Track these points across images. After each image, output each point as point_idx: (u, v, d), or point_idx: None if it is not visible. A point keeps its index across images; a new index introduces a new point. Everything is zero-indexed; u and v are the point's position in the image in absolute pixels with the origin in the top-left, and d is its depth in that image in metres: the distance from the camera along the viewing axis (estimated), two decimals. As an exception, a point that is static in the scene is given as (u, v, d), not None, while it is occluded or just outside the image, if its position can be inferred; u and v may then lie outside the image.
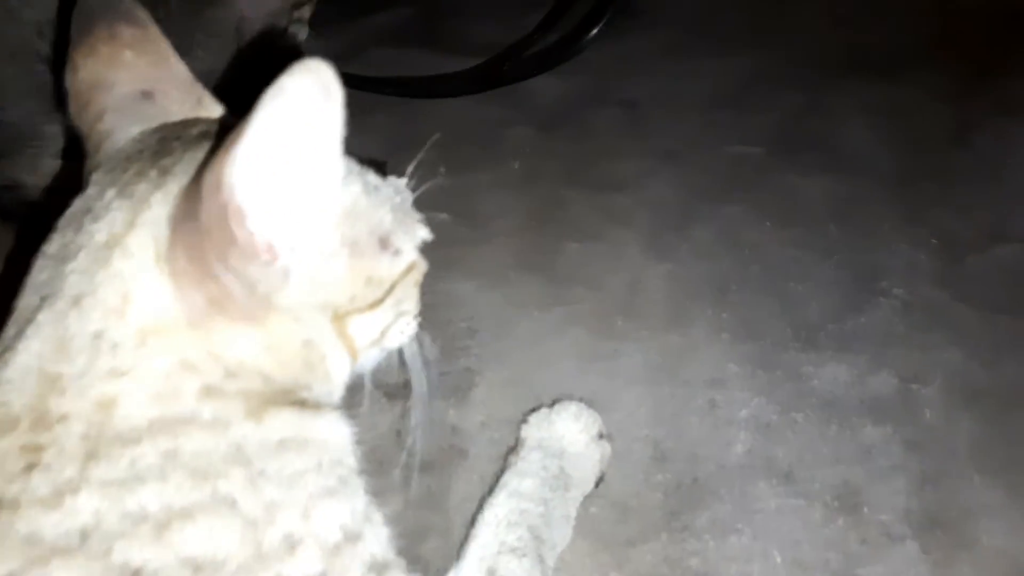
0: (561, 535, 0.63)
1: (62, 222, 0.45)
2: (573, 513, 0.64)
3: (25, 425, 0.40)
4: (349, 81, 1.11)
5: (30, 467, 0.39)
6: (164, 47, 0.51)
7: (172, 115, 0.50)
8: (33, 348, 0.41)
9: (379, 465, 0.63)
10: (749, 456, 0.71)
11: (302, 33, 1.02)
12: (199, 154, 0.45)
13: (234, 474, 0.42)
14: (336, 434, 0.47)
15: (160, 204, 0.43)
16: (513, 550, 0.57)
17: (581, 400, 0.71)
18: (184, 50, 0.50)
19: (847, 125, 1.15)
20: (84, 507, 0.39)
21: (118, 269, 0.42)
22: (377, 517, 0.47)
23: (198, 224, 0.41)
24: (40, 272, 0.44)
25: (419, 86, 1.10)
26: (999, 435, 0.73)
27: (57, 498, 0.39)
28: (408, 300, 0.53)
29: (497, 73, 1.08)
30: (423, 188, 0.54)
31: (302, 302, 0.45)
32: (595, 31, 0.98)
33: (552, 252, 0.92)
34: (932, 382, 0.78)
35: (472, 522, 0.61)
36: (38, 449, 0.40)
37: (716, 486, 0.68)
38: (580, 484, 0.65)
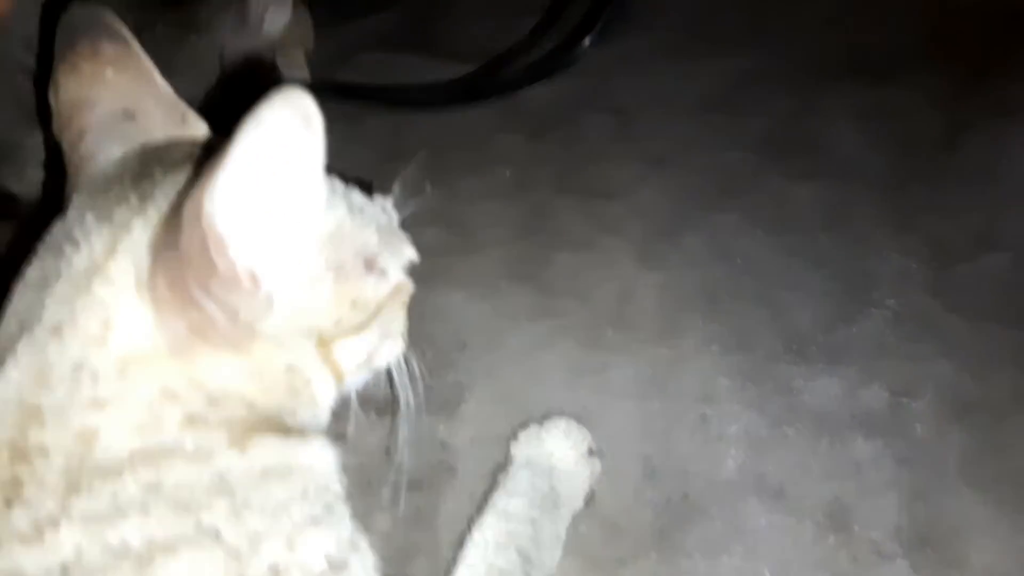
0: (551, 556, 0.62)
1: (42, 247, 0.45)
2: (563, 533, 0.64)
3: (4, 458, 0.39)
4: (335, 91, 1.10)
5: (9, 502, 0.39)
6: (147, 65, 0.50)
7: (155, 134, 0.49)
8: (12, 379, 0.41)
9: (367, 484, 0.62)
10: (740, 472, 0.71)
11: (296, 74, 1.00)
12: (180, 178, 0.44)
13: (217, 505, 0.41)
14: (321, 460, 0.47)
15: (141, 231, 0.42)
16: (502, 572, 0.57)
17: (571, 415, 0.71)
18: (166, 76, 0.49)
19: (839, 128, 1.15)
20: (65, 542, 0.38)
21: (98, 297, 0.42)
22: (363, 544, 0.47)
23: (179, 252, 0.40)
24: (20, 298, 0.44)
25: (405, 96, 1.09)
26: (989, 449, 0.73)
27: (37, 533, 0.38)
28: (395, 321, 0.53)
29: (486, 84, 1.07)
30: (409, 207, 0.54)
31: (286, 328, 0.44)
32: (588, 41, 0.97)
33: (542, 262, 0.92)
34: (923, 395, 0.78)
35: (461, 543, 0.60)
36: (18, 483, 0.39)
37: (707, 503, 0.68)
38: (570, 502, 0.65)
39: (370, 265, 0.48)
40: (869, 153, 1.11)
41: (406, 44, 1.26)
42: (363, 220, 0.48)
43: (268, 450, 0.44)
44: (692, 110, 1.17)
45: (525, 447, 0.67)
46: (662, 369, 0.79)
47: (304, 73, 1.00)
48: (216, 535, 0.40)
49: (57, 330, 0.41)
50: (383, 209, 0.52)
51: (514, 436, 0.69)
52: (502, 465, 0.68)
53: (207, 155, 0.47)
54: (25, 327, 0.42)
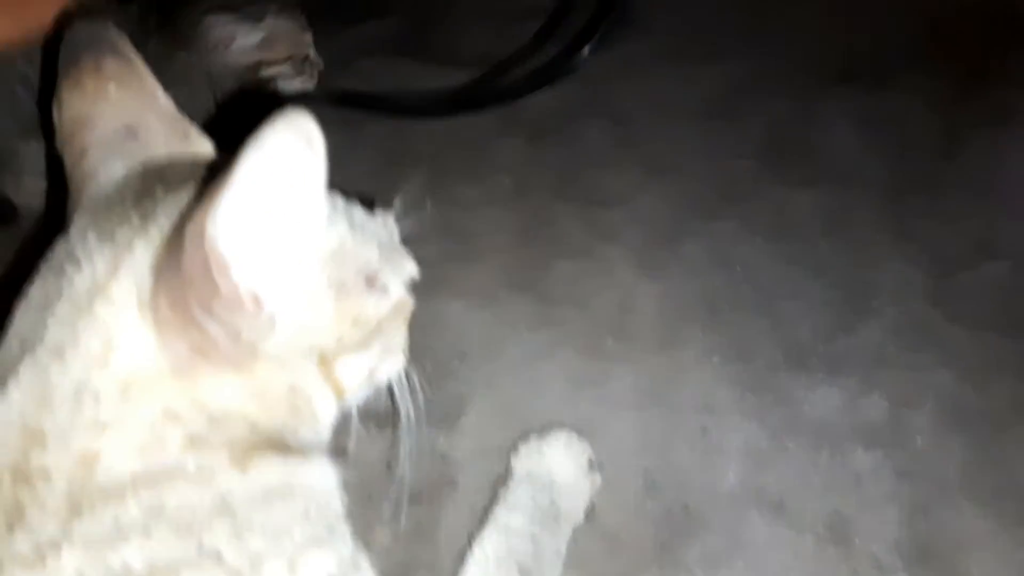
0: (552, 571, 0.62)
1: (44, 266, 0.45)
2: (564, 548, 0.64)
3: (6, 482, 0.39)
4: (335, 99, 1.09)
5: (11, 525, 0.39)
6: (149, 81, 0.50)
7: (157, 150, 0.49)
8: (15, 400, 0.41)
9: (367, 497, 0.62)
10: (740, 485, 0.71)
11: (296, 85, 0.97)
12: (182, 197, 0.44)
13: (219, 527, 0.41)
14: (322, 480, 0.47)
15: (143, 251, 0.42)
16: (504, 588, 0.57)
17: (571, 427, 0.71)
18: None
19: (838, 134, 1.15)
20: (67, 566, 0.38)
21: (100, 318, 0.41)
22: (364, 563, 0.47)
23: (181, 273, 0.40)
24: (22, 318, 0.43)
25: (405, 105, 1.09)
26: (989, 461, 0.73)
27: (39, 557, 0.38)
28: (396, 337, 0.53)
29: (486, 92, 1.07)
30: (410, 223, 0.54)
31: (288, 347, 0.44)
32: (588, 49, 0.97)
33: (542, 270, 0.92)
34: (923, 406, 0.78)
35: (462, 558, 0.60)
36: (20, 507, 0.39)
37: (707, 516, 0.68)
38: (570, 516, 0.65)
39: (371, 282, 0.48)
40: (868, 159, 1.11)
41: (406, 50, 1.26)
42: (364, 237, 0.48)
43: (269, 470, 0.44)
44: (691, 116, 1.17)
45: (526, 461, 0.67)
46: (662, 379, 0.79)
47: (298, 83, 0.98)
48: (218, 557, 0.40)
49: (59, 351, 0.41)
50: (384, 225, 0.52)
51: (514, 449, 0.69)
52: (503, 477, 0.68)
53: (210, 173, 0.47)
54: (27, 348, 0.42)
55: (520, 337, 0.83)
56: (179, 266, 0.40)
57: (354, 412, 0.53)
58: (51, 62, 0.50)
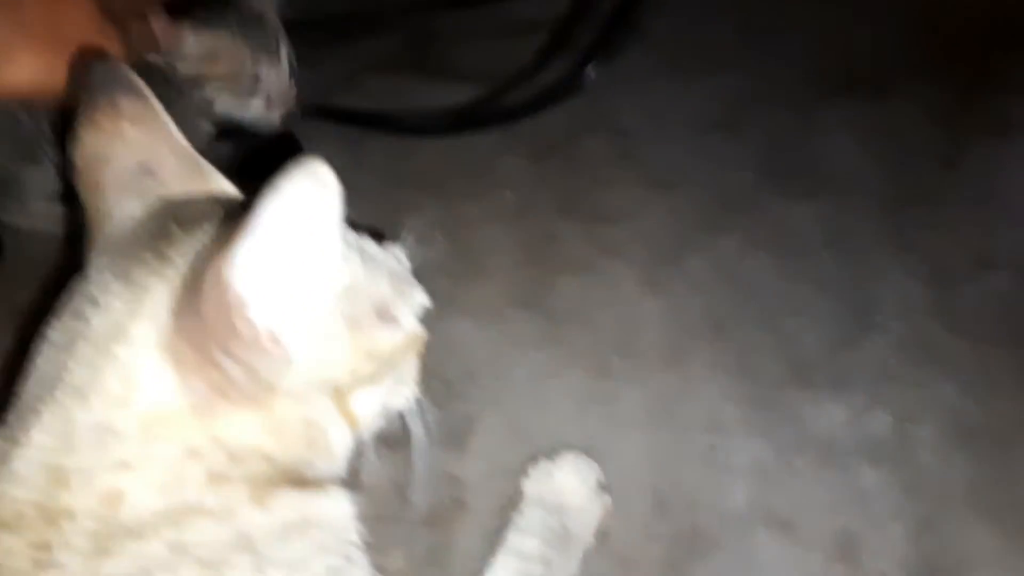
0: (564, 595, 0.63)
1: (62, 307, 0.45)
2: (575, 570, 0.64)
3: (33, 521, 0.40)
4: (337, 117, 1.09)
5: (39, 564, 0.39)
6: (164, 119, 0.50)
7: (172, 187, 0.50)
8: (38, 441, 0.41)
9: (380, 521, 0.63)
10: (748, 504, 0.71)
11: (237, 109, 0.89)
12: (198, 238, 0.45)
13: (241, 562, 0.42)
14: (339, 510, 0.48)
15: (161, 292, 0.43)
16: (517, 612, 0.58)
17: (580, 447, 0.71)
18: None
19: (838, 146, 1.16)
20: (94, 605, 0.39)
21: (120, 358, 0.42)
22: (381, 589, 0.47)
23: (199, 315, 0.41)
24: (42, 359, 0.44)
25: (407, 124, 1.09)
26: (995, 476, 0.74)
27: (67, 597, 0.39)
28: (408, 367, 0.54)
29: (489, 112, 1.08)
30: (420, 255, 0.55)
31: (304, 383, 0.45)
32: (592, 71, 0.98)
33: (547, 288, 0.92)
34: (927, 421, 0.78)
35: (475, 583, 0.61)
36: (46, 547, 0.39)
37: (716, 536, 0.69)
38: (581, 539, 0.66)
39: (384, 315, 0.48)
40: (869, 170, 1.11)
41: (409, 66, 1.26)
42: (375, 270, 0.49)
43: (288, 505, 0.45)
44: (691, 130, 1.18)
45: (536, 484, 0.68)
46: (669, 398, 0.80)
47: (244, 110, 0.88)
48: (240, 592, 0.41)
49: (81, 392, 0.42)
50: (395, 257, 0.53)
51: (525, 471, 0.69)
52: (513, 499, 0.68)
53: (225, 212, 0.48)
54: (49, 388, 0.42)
55: (527, 356, 0.84)
56: (198, 307, 0.41)
57: (368, 441, 0.54)
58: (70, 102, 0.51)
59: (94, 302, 0.44)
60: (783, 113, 1.20)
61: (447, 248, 0.94)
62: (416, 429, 0.57)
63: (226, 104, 0.84)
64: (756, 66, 1.30)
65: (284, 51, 0.87)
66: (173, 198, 0.49)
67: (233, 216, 0.46)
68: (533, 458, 0.72)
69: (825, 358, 0.85)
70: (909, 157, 1.14)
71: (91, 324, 0.43)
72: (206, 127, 0.85)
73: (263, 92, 0.86)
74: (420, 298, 0.53)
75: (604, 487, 0.69)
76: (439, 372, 0.80)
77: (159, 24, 0.74)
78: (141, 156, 0.49)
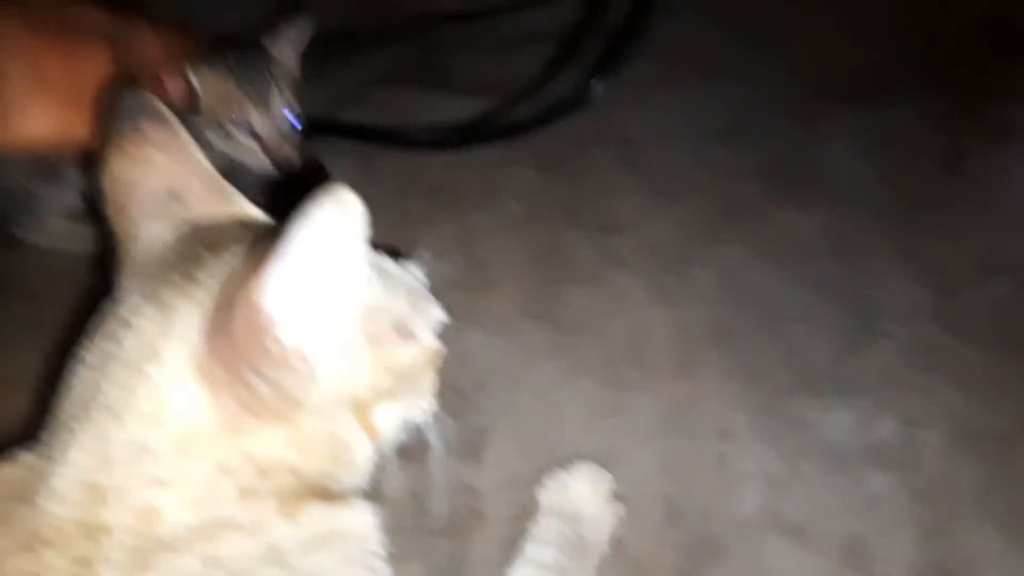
0: (581, 603, 0.64)
1: (96, 329, 0.47)
2: (592, 581, 0.66)
3: (73, 537, 0.41)
4: (345, 133, 1.10)
5: (81, 580, 0.41)
6: (188, 144, 0.52)
7: (198, 212, 0.51)
8: (76, 459, 0.43)
9: (398, 531, 0.64)
10: (759, 510, 0.72)
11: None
12: (226, 260, 0.46)
13: (271, 574, 0.43)
14: (363, 523, 0.49)
15: (191, 314, 0.44)
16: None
17: (593, 457, 0.73)
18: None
19: (840, 155, 1.17)
20: (133, 620, 0.40)
21: (154, 379, 0.44)
22: (404, 601, 0.49)
23: (230, 335, 0.42)
24: (76, 379, 0.46)
25: (415, 138, 1.11)
26: (1002, 480, 0.75)
27: (110, 612, 0.40)
28: (427, 381, 0.55)
29: (497, 126, 1.09)
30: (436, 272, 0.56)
31: (328, 399, 0.46)
32: (600, 85, 0.99)
33: (556, 298, 0.94)
34: (934, 426, 0.80)
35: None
36: (87, 562, 0.41)
37: (728, 543, 0.70)
38: (596, 548, 0.67)
39: (402, 331, 0.50)
40: (871, 179, 1.13)
41: (416, 79, 1.27)
42: (394, 287, 0.51)
43: (315, 518, 0.46)
44: (695, 140, 1.19)
45: (551, 494, 0.69)
46: (679, 407, 0.81)
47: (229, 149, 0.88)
48: (270, 603, 0.42)
49: (116, 412, 0.43)
50: (411, 274, 0.54)
51: (539, 481, 0.71)
52: (528, 509, 0.69)
53: (247, 231, 0.50)
54: (85, 409, 0.44)
55: (538, 366, 0.85)
56: (228, 328, 0.42)
57: (388, 454, 0.55)
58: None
59: (126, 324, 0.45)
60: (786, 121, 1.21)
61: (457, 259, 0.95)
62: (434, 441, 0.58)
63: (220, 146, 0.85)
64: (758, 75, 1.31)
65: (278, 102, 0.87)
66: (199, 221, 0.50)
67: (259, 238, 0.48)
68: (547, 468, 0.73)
69: (831, 365, 0.86)
70: (911, 164, 1.15)
71: (123, 345, 0.45)
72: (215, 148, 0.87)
73: (254, 138, 0.87)
74: (437, 313, 0.54)
75: (618, 496, 0.70)
76: (451, 382, 0.80)
77: (173, 83, 0.76)
78: (167, 181, 0.51)
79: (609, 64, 0.96)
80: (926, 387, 0.84)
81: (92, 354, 0.46)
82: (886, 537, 0.71)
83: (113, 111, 0.51)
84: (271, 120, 0.87)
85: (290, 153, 0.89)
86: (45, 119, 0.61)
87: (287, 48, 0.90)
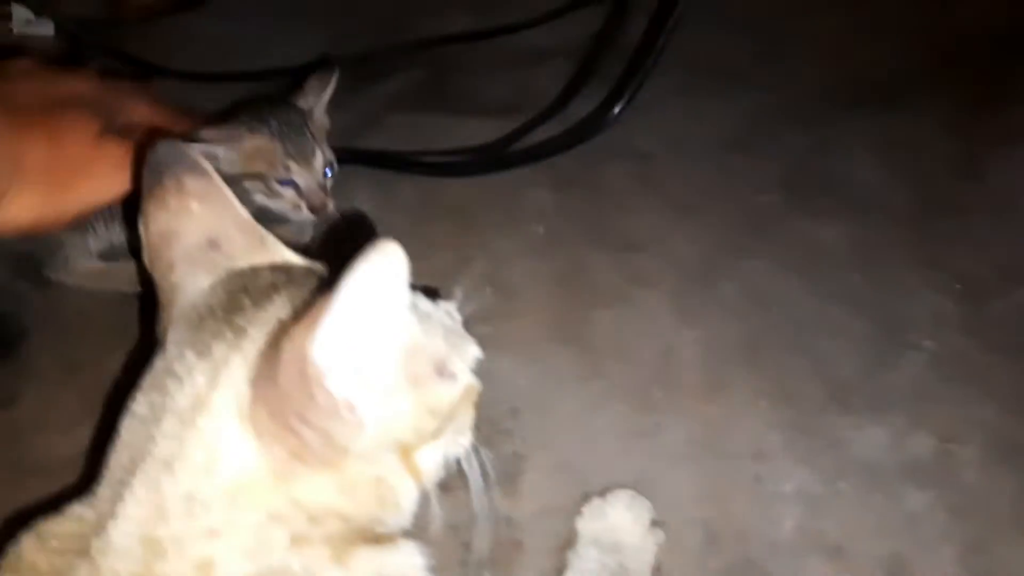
0: (625, 633, 0.64)
1: (145, 382, 0.47)
2: (635, 608, 0.66)
3: None
4: (366, 161, 1.11)
5: (142, 634, 0.41)
6: (227, 195, 0.53)
7: (238, 260, 0.52)
8: (131, 513, 0.44)
9: (440, 567, 0.64)
10: (798, 532, 0.72)
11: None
12: (270, 312, 0.47)
13: (325, 620, 0.44)
14: (412, 565, 0.50)
15: (239, 365, 0.45)
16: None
17: (629, 482, 0.73)
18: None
19: (857, 162, 1.17)
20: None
21: (204, 430, 0.44)
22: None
23: (277, 386, 0.43)
24: (129, 432, 0.46)
25: (437, 165, 1.12)
26: (1040, 493, 0.75)
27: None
28: (466, 418, 0.55)
29: (516, 152, 1.10)
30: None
31: (374, 444, 0.47)
32: (620, 108, 0.99)
33: (583, 321, 0.94)
34: (969, 440, 0.79)
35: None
36: None
37: (769, 566, 0.70)
38: (638, 576, 0.67)
39: (441, 371, 0.50)
40: (890, 186, 1.12)
41: (430, 102, 1.28)
42: (431, 327, 0.51)
43: (366, 562, 0.47)
44: (711, 152, 1.19)
45: (590, 523, 0.69)
46: (713, 428, 0.81)
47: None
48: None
49: (168, 464, 0.44)
50: (447, 313, 0.55)
51: (577, 510, 0.71)
52: (567, 538, 0.70)
53: (288, 279, 0.50)
54: (138, 461, 0.45)
55: (569, 391, 0.85)
56: (276, 379, 0.43)
57: (431, 493, 0.55)
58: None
59: (173, 375, 0.46)
60: (800, 130, 1.21)
61: (482, 286, 0.95)
62: (474, 475, 0.58)
63: (261, 199, 0.90)
64: (770, 83, 1.31)
65: (319, 159, 0.93)
66: (240, 270, 0.51)
67: (299, 284, 0.48)
68: (584, 496, 0.73)
69: (862, 380, 0.86)
70: (927, 169, 1.15)
71: (173, 397, 0.45)
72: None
73: (296, 193, 0.92)
74: (473, 351, 0.55)
75: (656, 522, 0.70)
76: (484, 411, 0.81)
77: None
78: (207, 231, 0.52)
79: (628, 87, 0.96)
80: (958, 400, 0.84)
81: (141, 406, 0.47)
82: (926, 555, 0.71)
83: (152, 164, 0.52)
84: (312, 174, 0.92)
85: (327, 200, 0.93)
86: (27, 204, 0.60)
87: (317, 103, 0.96)
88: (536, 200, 1.11)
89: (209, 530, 0.43)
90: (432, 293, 0.55)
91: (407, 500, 0.51)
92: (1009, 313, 0.93)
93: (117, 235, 0.93)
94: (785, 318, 0.93)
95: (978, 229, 1.05)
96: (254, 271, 0.51)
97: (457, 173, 1.11)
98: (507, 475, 0.77)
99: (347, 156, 1.05)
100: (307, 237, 0.96)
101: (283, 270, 0.51)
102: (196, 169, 0.52)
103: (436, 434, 0.51)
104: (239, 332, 0.46)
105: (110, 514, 0.44)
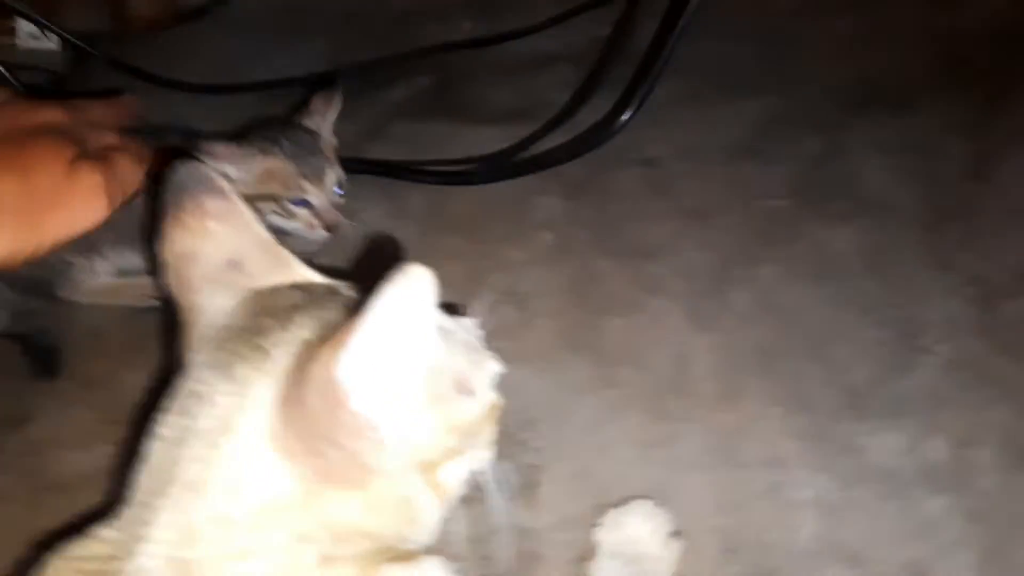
0: (647, 644, 0.64)
1: (170, 405, 0.47)
2: (656, 619, 0.66)
3: None
4: (375, 171, 1.11)
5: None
6: (246, 214, 0.53)
7: (258, 280, 0.52)
8: (160, 536, 0.44)
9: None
10: (816, 540, 0.72)
11: None
12: (292, 330, 0.47)
13: (354, 640, 0.44)
14: (437, 580, 0.50)
15: (264, 387, 0.45)
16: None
17: (646, 492, 0.73)
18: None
19: (866, 166, 1.17)
20: None
21: (231, 452, 0.44)
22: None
23: (304, 407, 0.43)
24: (154, 455, 0.46)
25: (446, 175, 1.12)
26: (1058, 496, 0.75)
27: None
28: (487, 434, 0.56)
29: (524, 161, 1.10)
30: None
31: (399, 463, 0.47)
32: (629, 115, 0.99)
33: (596, 329, 0.94)
34: (985, 444, 0.79)
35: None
36: None
37: (788, 575, 0.70)
38: (659, 588, 0.67)
39: (463, 388, 0.50)
40: (900, 189, 1.12)
41: (435, 110, 1.28)
42: (452, 345, 0.51)
43: (394, 581, 0.47)
44: (720, 158, 1.19)
45: (609, 535, 0.69)
46: (728, 436, 0.81)
47: None
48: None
49: (196, 487, 0.44)
50: (467, 329, 0.55)
51: (595, 520, 0.71)
52: (586, 549, 0.70)
53: (309, 297, 0.50)
54: (166, 484, 0.45)
55: (584, 401, 0.85)
56: (302, 400, 0.43)
57: (454, 510, 0.55)
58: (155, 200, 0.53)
59: (200, 398, 0.46)
60: (810, 134, 1.21)
61: (494, 294, 0.95)
62: (494, 488, 0.58)
63: (274, 220, 0.91)
64: (776, 87, 1.31)
65: (331, 178, 0.94)
66: (261, 290, 0.51)
67: (321, 304, 0.49)
68: (602, 506, 0.73)
69: (877, 385, 0.86)
70: (938, 171, 1.15)
71: (199, 420, 0.45)
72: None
73: (309, 212, 0.93)
74: (494, 367, 0.55)
75: (675, 532, 0.70)
76: (502, 422, 0.82)
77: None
78: (227, 251, 0.52)
79: (637, 93, 0.96)
80: (973, 404, 0.84)
81: (166, 428, 0.47)
82: (945, 561, 0.71)
83: (171, 184, 0.52)
84: (325, 193, 0.93)
85: (340, 218, 0.94)
86: (2, 239, 0.59)
87: (324, 123, 0.97)
88: (545, 208, 1.11)
89: (238, 552, 0.43)
90: (452, 309, 0.55)
91: (431, 517, 0.51)
92: (1022, 315, 0.93)
93: (126, 259, 0.94)
94: (798, 324, 0.93)
95: (989, 231, 1.05)
96: (275, 291, 0.51)
97: (466, 182, 1.11)
98: (524, 487, 0.77)
99: (356, 166, 1.05)
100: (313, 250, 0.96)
101: (304, 289, 0.51)
102: (215, 189, 0.52)
103: (459, 451, 0.51)
104: (263, 353, 0.46)
105: (138, 537, 0.44)
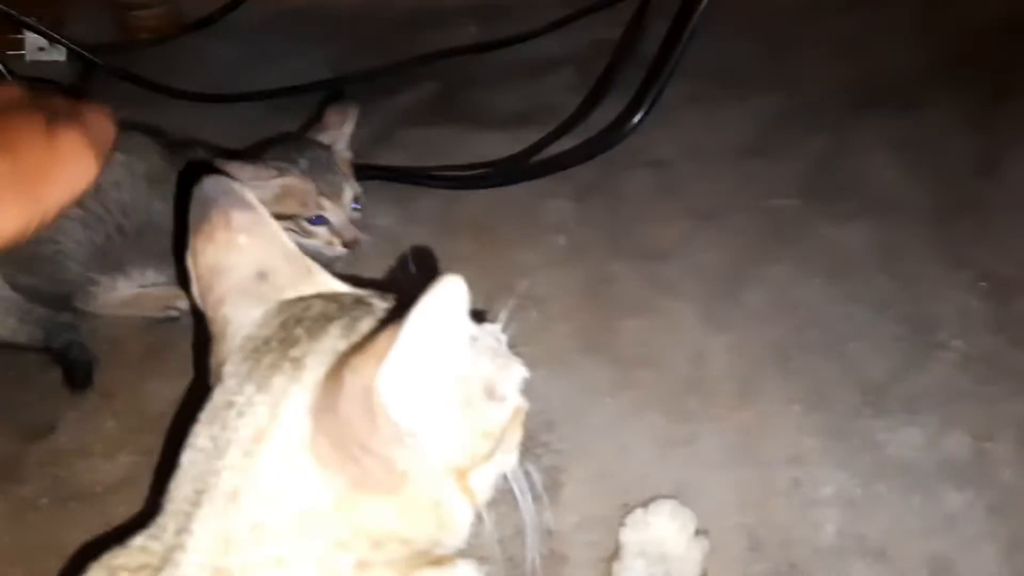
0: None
1: (206, 415, 0.48)
2: (683, 618, 0.66)
3: None
4: (388, 177, 1.12)
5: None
6: (273, 227, 0.53)
7: (286, 290, 0.52)
8: (200, 545, 0.44)
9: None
10: (840, 536, 0.73)
11: None
12: (325, 341, 0.47)
13: (393, 645, 0.44)
14: (472, 583, 0.50)
15: (298, 396, 0.45)
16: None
17: (668, 491, 0.73)
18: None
19: (875, 163, 1.17)
20: None
21: (267, 461, 0.45)
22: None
23: (338, 416, 0.43)
24: (191, 465, 0.47)
25: (457, 179, 1.12)
26: (1078, 489, 0.75)
27: None
28: (514, 437, 0.56)
29: (537, 164, 1.10)
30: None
31: (432, 469, 0.47)
32: (639, 117, 1.00)
33: (612, 331, 0.94)
34: (1004, 438, 0.80)
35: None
36: None
37: (813, 571, 0.70)
38: (686, 587, 0.67)
39: (491, 394, 0.51)
40: (910, 186, 1.13)
41: (443, 115, 1.29)
42: (480, 351, 0.51)
43: (430, 585, 0.47)
44: (729, 158, 1.20)
45: (634, 534, 0.69)
46: (748, 434, 0.81)
47: None
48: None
49: (234, 496, 0.44)
50: (492, 335, 0.55)
51: (618, 520, 0.71)
52: (610, 549, 0.70)
53: (337, 307, 0.51)
54: (202, 493, 0.45)
55: (602, 403, 0.86)
56: (337, 409, 0.43)
57: (484, 513, 0.56)
58: (183, 215, 0.54)
59: (235, 408, 0.46)
60: (815, 134, 1.22)
61: (508, 297, 0.96)
62: (522, 491, 0.59)
63: (293, 238, 0.91)
64: (782, 86, 1.32)
65: (349, 194, 0.94)
66: (290, 301, 0.51)
67: (351, 315, 0.49)
68: (625, 506, 0.73)
69: (893, 381, 0.86)
70: (946, 167, 1.16)
71: (235, 430, 0.46)
72: None
73: (328, 230, 0.93)
74: (519, 372, 0.55)
75: (700, 531, 0.70)
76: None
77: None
78: (256, 264, 0.52)
79: (648, 96, 0.97)
80: (989, 397, 0.84)
81: (202, 439, 0.47)
82: (968, 554, 0.71)
83: (198, 199, 0.52)
84: (343, 209, 0.93)
85: (358, 234, 0.94)
86: (6, 216, 0.59)
87: (339, 137, 0.97)
88: (556, 211, 1.11)
89: (277, 559, 0.44)
90: (478, 316, 0.55)
91: (463, 521, 0.51)
92: (1034, 308, 0.93)
93: (147, 277, 0.95)
94: (813, 322, 0.94)
95: (1000, 225, 1.06)
96: (304, 301, 0.51)
97: (478, 186, 1.11)
98: (547, 488, 0.77)
99: (368, 172, 1.06)
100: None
101: (333, 299, 0.52)
102: (242, 202, 0.52)
103: (489, 456, 0.51)
104: (296, 364, 0.47)
105: (178, 546, 0.44)
